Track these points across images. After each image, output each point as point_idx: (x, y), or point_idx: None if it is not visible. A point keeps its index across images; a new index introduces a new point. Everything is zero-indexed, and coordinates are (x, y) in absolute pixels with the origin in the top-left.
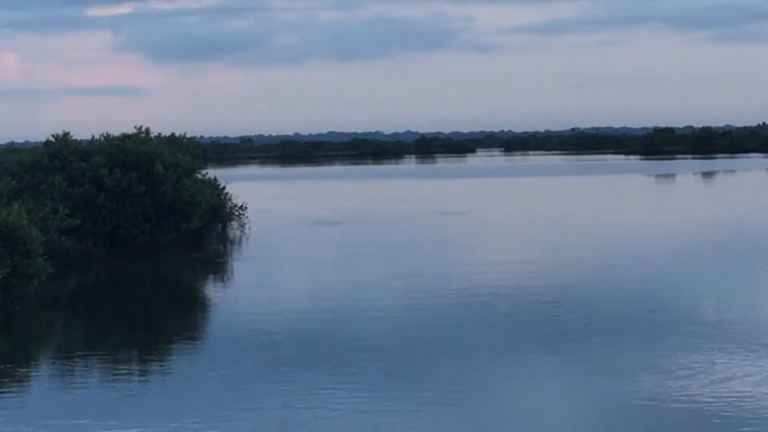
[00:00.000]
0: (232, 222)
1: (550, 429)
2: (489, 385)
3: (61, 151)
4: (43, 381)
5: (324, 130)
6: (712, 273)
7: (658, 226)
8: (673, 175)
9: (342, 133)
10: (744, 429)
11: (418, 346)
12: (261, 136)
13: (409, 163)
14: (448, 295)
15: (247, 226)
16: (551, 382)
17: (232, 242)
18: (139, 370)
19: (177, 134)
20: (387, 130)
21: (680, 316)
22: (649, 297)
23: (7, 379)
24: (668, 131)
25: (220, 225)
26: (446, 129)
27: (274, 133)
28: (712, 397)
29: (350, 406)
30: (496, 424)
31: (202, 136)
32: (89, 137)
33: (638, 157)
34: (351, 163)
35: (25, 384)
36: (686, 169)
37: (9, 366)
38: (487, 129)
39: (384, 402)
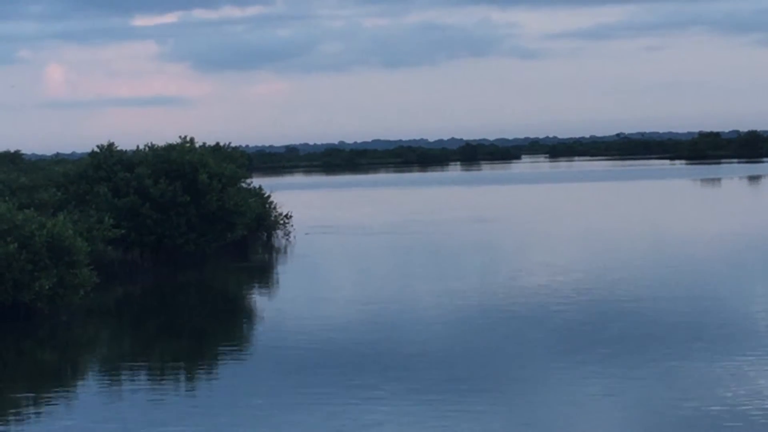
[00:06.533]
0: (278, 231)
1: None
2: (544, 392)
3: (106, 162)
4: (89, 391)
5: (369, 138)
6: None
7: (711, 232)
8: (719, 180)
9: (387, 141)
10: None
11: (469, 354)
12: (306, 144)
13: (454, 170)
14: (500, 302)
15: (292, 235)
16: (606, 391)
17: (278, 251)
18: (185, 381)
19: (221, 143)
20: (431, 137)
21: (740, 324)
22: (707, 305)
23: (55, 390)
24: (714, 136)
25: (266, 234)
26: (491, 136)
27: (318, 142)
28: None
29: (400, 416)
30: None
31: (247, 146)
32: (134, 148)
33: (684, 161)
34: (396, 171)
35: (72, 394)
36: (732, 174)
37: (56, 376)
38: (532, 135)
39: (435, 412)
